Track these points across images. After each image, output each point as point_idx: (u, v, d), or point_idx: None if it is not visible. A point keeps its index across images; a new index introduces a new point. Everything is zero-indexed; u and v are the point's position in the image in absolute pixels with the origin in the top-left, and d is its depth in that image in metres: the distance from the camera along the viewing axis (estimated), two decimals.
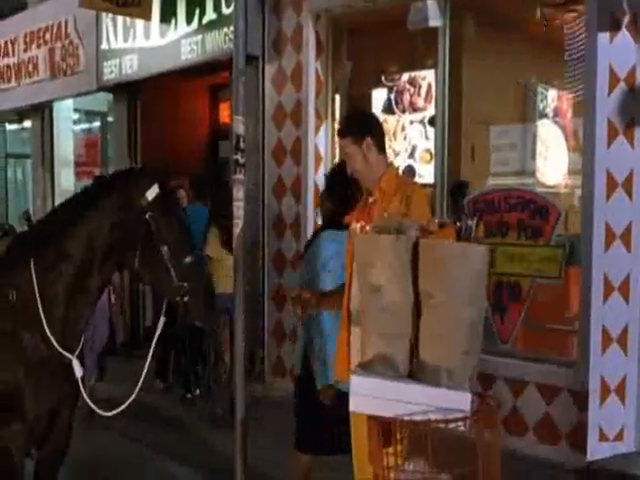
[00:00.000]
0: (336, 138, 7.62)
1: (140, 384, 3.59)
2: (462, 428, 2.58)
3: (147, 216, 3.28)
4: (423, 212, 3.35)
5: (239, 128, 3.76)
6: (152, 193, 3.30)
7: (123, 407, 3.64)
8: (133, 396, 3.57)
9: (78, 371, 3.38)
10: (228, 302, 4.47)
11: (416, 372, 2.78)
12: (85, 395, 3.44)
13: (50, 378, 3.35)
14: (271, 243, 7.82)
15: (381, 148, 3.65)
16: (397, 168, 3.87)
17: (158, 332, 3.52)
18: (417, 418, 2.59)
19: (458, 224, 2.95)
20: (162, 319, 3.50)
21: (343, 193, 4.07)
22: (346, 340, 3.41)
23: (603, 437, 5.37)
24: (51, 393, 3.36)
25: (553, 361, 5.74)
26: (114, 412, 3.59)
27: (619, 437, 5.40)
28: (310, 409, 4.09)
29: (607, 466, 5.28)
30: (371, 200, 3.57)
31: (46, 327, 3.29)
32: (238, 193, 3.75)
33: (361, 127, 3.66)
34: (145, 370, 3.64)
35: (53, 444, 3.50)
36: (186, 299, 3.34)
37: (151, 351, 3.58)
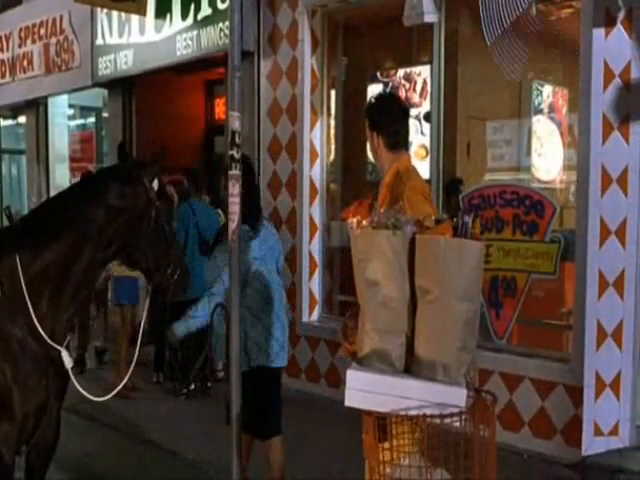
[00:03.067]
0: (332, 133, 7.68)
1: (130, 371, 3.81)
2: (457, 424, 2.58)
3: (156, 204, 3.51)
4: (419, 210, 3.21)
5: (234, 124, 3.74)
6: (155, 184, 3.54)
7: (114, 392, 3.71)
8: (124, 382, 3.81)
9: (68, 362, 3.41)
10: None
11: (412, 367, 2.78)
12: (76, 383, 3.48)
13: (38, 374, 3.34)
14: None
15: (391, 146, 3.57)
16: (405, 161, 3.64)
17: (145, 317, 3.69)
18: (412, 413, 2.60)
19: (455, 220, 2.95)
20: (148, 301, 3.70)
21: None
22: None
23: (598, 432, 5.39)
24: (39, 389, 3.35)
25: (548, 356, 5.77)
26: (106, 397, 3.71)
27: (614, 432, 5.42)
28: None
29: (602, 461, 5.30)
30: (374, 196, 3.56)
31: (35, 320, 3.29)
32: (234, 189, 3.73)
33: (371, 120, 3.63)
34: (135, 357, 3.73)
35: (42, 439, 3.48)
36: (176, 277, 3.59)
37: (139, 336, 3.72)
